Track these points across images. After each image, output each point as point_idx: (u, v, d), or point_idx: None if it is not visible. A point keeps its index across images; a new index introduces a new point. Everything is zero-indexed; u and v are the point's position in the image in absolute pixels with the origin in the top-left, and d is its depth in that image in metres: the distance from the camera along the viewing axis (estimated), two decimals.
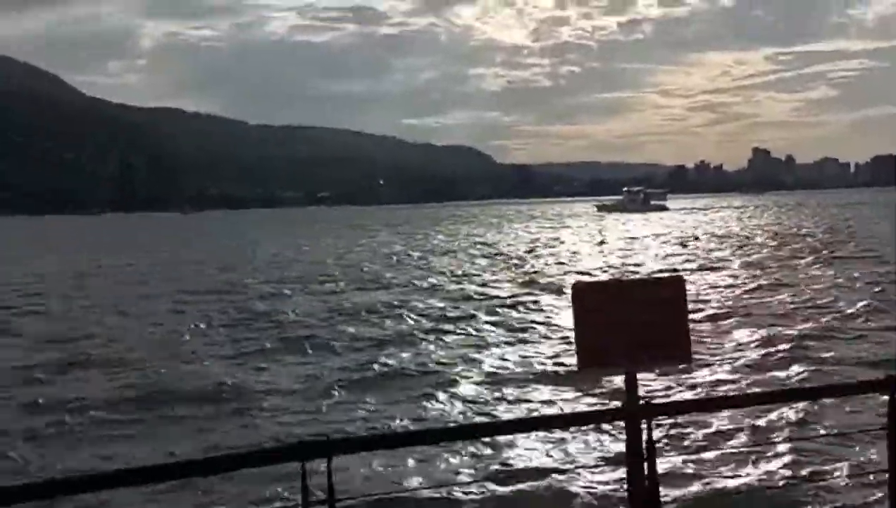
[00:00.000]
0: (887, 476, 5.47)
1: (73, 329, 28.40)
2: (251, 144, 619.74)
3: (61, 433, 15.55)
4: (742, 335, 22.80)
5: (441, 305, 31.99)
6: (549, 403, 16.56)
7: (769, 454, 12.23)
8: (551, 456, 12.81)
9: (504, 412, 16.07)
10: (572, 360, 19.89)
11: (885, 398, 5.35)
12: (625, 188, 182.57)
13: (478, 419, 15.16)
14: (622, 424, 5.21)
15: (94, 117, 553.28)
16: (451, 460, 12.59)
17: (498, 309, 30.25)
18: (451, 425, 13.88)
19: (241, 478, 11.25)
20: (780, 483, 11.27)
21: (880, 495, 8.92)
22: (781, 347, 20.94)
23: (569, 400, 16.54)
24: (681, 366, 6.74)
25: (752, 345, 21.56)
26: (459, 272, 46.33)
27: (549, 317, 27.81)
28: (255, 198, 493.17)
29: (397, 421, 15.47)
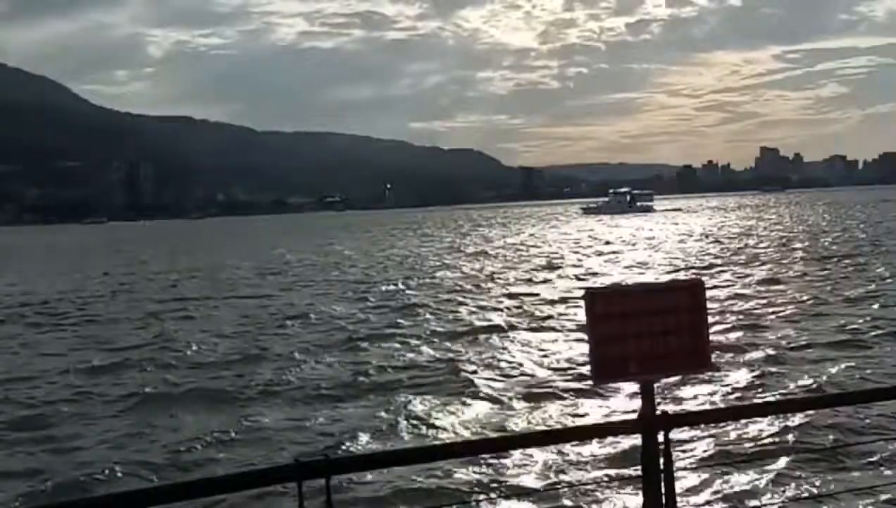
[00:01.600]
0: None
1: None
2: (259, 150, 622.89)
3: None
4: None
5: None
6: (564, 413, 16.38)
7: (789, 464, 11.95)
8: (564, 470, 12.51)
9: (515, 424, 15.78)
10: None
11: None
12: (611, 190, 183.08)
13: (487, 433, 14.90)
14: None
15: (102, 126, 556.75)
16: (462, 475, 12.24)
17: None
18: (459, 440, 13.57)
19: (238, 499, 11.04)
20: (804, 496, 11.00)
21: None
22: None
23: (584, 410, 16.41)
24: (700, 373, 6.57)
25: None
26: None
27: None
28: (263, 203, 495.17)
29: (405, 436, 15.23)
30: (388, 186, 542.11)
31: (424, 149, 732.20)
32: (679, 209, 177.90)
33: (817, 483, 11.47)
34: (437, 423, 15.94)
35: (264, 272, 55.70)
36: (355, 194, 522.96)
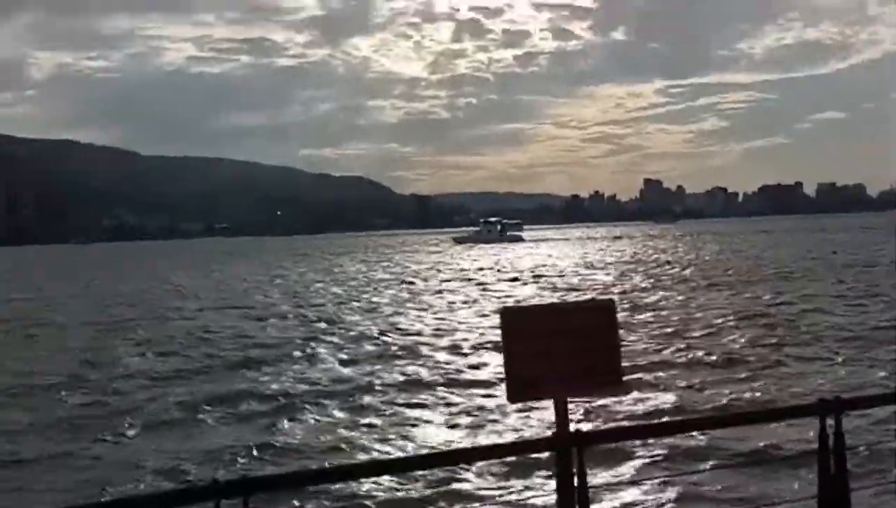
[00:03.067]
0: (815, 501, 5.46)
1: None
2: (148, 175, 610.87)
3: None
4: None
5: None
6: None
7: (702, 481, 12.21)
8: (480, 489, 12.61)
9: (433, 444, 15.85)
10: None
11: (816, 422, 5.36)
12: (481, 220, 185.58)
13: (405, 452, 14.92)
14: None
15: None
16: (378, 495, 12.26)
17: None
18: (377, 458, 13.56)
19: None
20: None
21: None
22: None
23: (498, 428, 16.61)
24: (613, 392, 6.70)
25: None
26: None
27: None
28: (153, 229, 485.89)
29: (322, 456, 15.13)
30: (279, 212, 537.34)
31: (315, 176, 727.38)
32: (549, 240, 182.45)
33: (732, 498, 11.75)
34: (351, 443, 16.04)
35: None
36: (245, 219, 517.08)
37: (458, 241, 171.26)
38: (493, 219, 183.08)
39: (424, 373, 23.25)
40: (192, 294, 57.32)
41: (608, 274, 61.18)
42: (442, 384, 21.53)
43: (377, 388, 21.22)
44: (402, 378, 22.49)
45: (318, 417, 18.46)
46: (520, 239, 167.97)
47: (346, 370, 24.13)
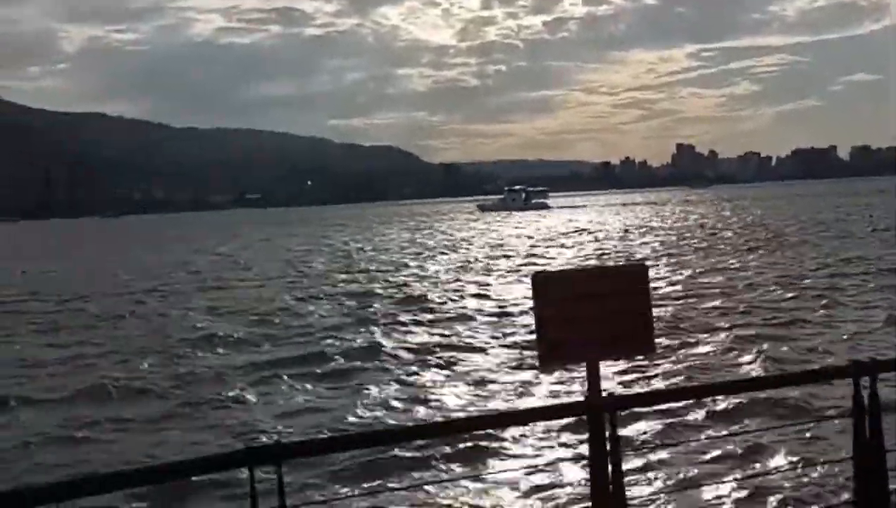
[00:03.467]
0: (851, 462, 5.44)
1: None
2: (177, 147, 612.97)
3: None
4: None
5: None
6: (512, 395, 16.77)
7: (735, 444, 12.20)
8: (513, 453, 12.70)
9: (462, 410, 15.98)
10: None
11: (850, 384, 5.33)
12: (506, 187, 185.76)
13: (435, 417, 15.06)
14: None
15: (12, 123, 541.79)
16: (409, 461, 12.34)
17: None
18: (408, 424, 13.65)
19: (187, 487, 11.01)
20: (748, 474, 11.23)
21: (845, 481, 8.92)
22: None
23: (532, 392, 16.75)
24: (645, 356, 6.70)
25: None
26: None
27: None
28: (182, 201, 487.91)
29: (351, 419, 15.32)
30: (309, 182, 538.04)
31: (344, 146, 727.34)
32: (584, 206, 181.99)
33: (767, 464, 11.74)
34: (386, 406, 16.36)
35: None
36: (275, 190, 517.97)
37: (483, 209, 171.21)
38: (517, 187, 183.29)
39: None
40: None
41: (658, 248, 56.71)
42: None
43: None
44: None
45: None
46: (545, 206, 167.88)
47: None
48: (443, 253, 60.94)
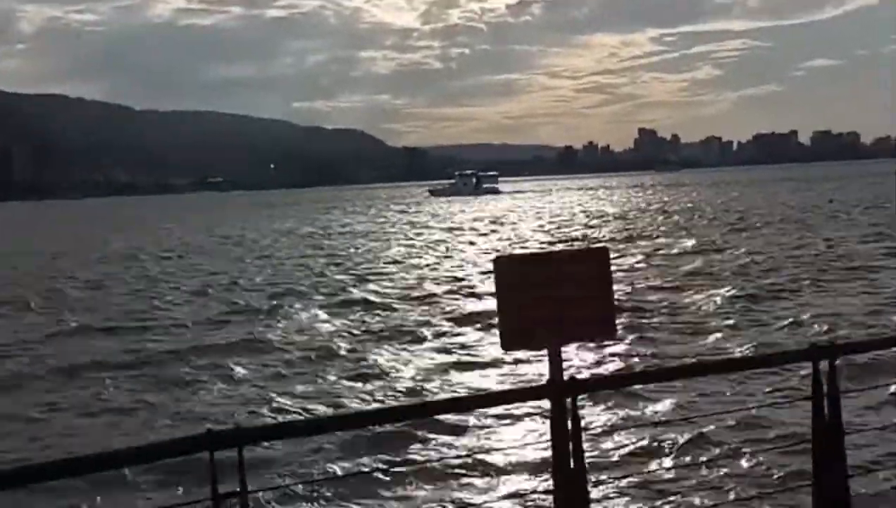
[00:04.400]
0: (810, 444, 5.48)
1: None
2: (138, 129, 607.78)
3: None
4: None
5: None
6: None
7: (695, 428, 12.25)
8: (476, 438, 12.73)
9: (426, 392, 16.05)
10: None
11: (809, 366, 5.36)
12: (456, 172, 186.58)
13: (397, 401, 15.07)
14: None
15: None
16: (370, 445, 12.32)
17: None
18: (369, 408, 13.63)
19: (148, 471, 10.96)
20: (706, 458, 11.31)
21: (804, 464, 9.02)
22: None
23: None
24: (606, 339, 6.72)
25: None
26: None
27: None
28: (144, 184, 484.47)
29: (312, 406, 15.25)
30: (272, 165, 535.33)
31: (307, 129, 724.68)
32: (532, 191, 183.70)
33: (728, 448, 11.83)
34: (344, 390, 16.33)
35: None
36: (238, 174, 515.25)
37: (434, 193, 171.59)
38: (468, 172, 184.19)
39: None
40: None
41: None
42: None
43: None
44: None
45: None
46: (496, 191, 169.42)
47: None
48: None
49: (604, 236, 50.84)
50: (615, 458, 11.56)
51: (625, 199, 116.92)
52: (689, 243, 42.82)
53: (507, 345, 5.10)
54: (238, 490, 4.25)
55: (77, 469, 4.12)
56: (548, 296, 4.93)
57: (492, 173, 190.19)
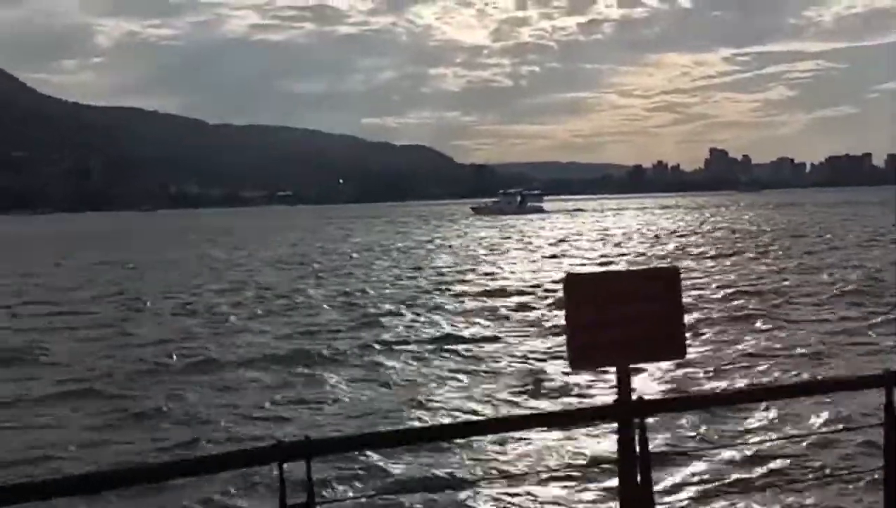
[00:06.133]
0: (883, 472, 5.36)
1: None
2: (211, 143, 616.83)
3: None
4: None
5: None
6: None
7: (767, 452, 12.06)
8: (540, 457, 12.64)
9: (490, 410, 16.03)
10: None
11: (882, 393, 5.25)
12: (501, 190, 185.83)
13: (463, 417, 15.07)
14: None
15: (48, 115, 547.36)
16: (437, 461, 12.36)
17: None
18: (436, 424, 13.64)
19: (217, 481, 11.07)
20: (778, 483, 11.11)
21: (877, 492, 8.84)
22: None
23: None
24: (675, 360, 6.65)
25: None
26: None
27: None
28: (215, 197, 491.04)
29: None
30: (341, 180, 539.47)
31: (376, 144, 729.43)
32: (581, 210, 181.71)
33: (800, 473, 11.62)
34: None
35: None
36: (307, 188, 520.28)
37: (477, 211, 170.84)
38: (512, 190, 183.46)
39: None
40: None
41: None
42: None
43: None
44: None
45: None
46: (540, 210, 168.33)
47: None
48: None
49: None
50: (685, 483, 11.39)
51: (717, 218, 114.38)
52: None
53: (575, 364, 5.10)
54: (306, 501, 4.29)
55: (141, 478, 4.19)
56: (617, 315, 4.92)
57: (536, 192, 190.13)
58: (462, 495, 11.11)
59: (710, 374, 17.89)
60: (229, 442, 13.73)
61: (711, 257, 49.15)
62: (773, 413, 13.84)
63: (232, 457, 4.61)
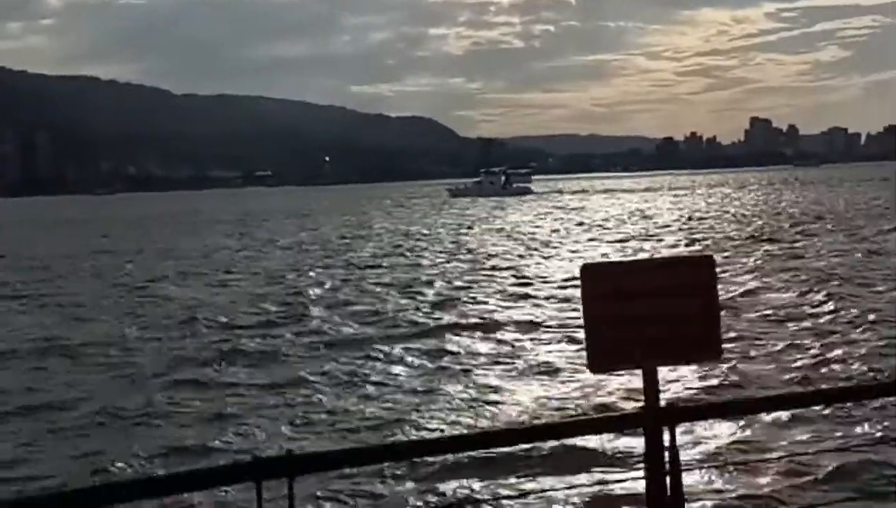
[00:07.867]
0: None
1: None
2: (176, 116, 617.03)
3: None
4: None
5: None
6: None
7: (805, 461, 12.16)
8: (558, 468, 12.74)
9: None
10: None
11: None
12: (482, 169, 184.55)
13: (468, 428, 15.16)
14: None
15: None
16: (440, 475, 12.45)
17: None
18: (438, 436, 13.67)
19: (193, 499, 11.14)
20: (815, 493, 11.23)
21: None
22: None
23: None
24: (710, 361, 6.65)
25: None
26: None
27: None
28: (182, 178, 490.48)
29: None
30: (326, 158, 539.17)
31: (368, 116, 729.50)
32: (586, 191, 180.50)
33: (840, 484, 11.72)
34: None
35: None
36: (289, 167, 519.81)
37: (454, 194, 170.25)
38: (495, 169, 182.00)
39: None
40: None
41: None
42: None
43: None
44: None
45: None
46: (527, 191, 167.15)
47: None
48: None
49: None
50: (715, 493, 11.50)
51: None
52: None
53: (595, 367, 5.07)
54: None
55: (114, 495, 4.24)
56: (643, 310, 4.91)
57: (524, 171, 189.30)
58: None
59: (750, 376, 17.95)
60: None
61: None
62: (819, 422, 13.96)
63: (205, 475, 4.63)
